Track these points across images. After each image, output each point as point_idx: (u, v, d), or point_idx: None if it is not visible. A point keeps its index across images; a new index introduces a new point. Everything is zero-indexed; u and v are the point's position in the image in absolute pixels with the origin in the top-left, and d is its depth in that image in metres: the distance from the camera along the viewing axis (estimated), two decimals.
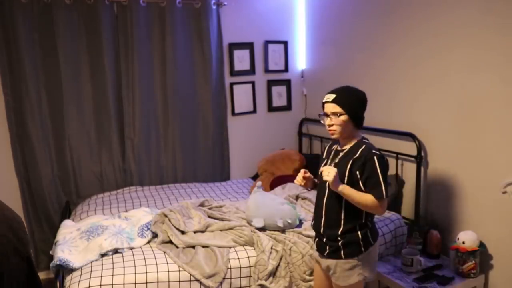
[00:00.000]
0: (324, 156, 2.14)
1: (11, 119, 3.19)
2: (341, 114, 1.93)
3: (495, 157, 2.42)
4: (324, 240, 2.03)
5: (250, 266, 2.34)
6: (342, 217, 1.97)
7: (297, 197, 3.12)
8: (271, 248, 2.41)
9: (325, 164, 2.05)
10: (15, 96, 3.18)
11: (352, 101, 1.96)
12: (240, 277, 2.32)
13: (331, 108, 1.95)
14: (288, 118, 4.15)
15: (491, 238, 2.47)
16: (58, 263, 2.24)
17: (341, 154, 2.01)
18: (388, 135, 3.10)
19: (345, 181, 1.92)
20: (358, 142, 1.98)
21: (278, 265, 2.36)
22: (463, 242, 2.42)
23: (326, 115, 1.98)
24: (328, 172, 1.86)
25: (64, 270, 2.27)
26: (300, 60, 4.14)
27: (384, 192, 1.88)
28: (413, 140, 2.84)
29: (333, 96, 1.96)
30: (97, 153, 3.50)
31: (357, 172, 1.91)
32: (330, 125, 1.96)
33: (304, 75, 4.15)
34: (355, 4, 3.37)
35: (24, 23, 3.10)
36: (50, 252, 2.54)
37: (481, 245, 2.45)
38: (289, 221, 2.58)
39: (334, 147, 2.09)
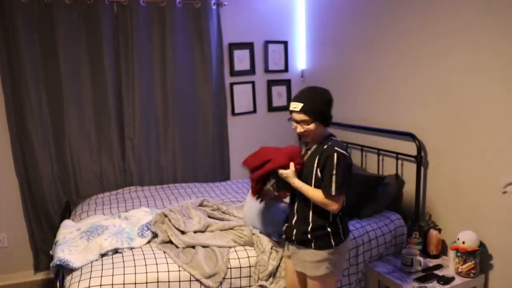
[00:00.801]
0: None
1: (11, 119, 3.19)
2: (310, 122, 1.99)
3: (495, 157, 2.42)
4: (294, 231, 2.11)
5: (250, 266, 2.34)
6: (311, 216, 2.05)
7: None
8: (271, 248, 2.41)
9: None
10: (15, 96, 3.18)
11: (319, 106, 2.00)
12: (240, 277, 2.32)
13: (300, 117, 2.00)
14: (288, 118, 4.15)
15: (491, 238, 2.47)
16: (58, 263, 2.24)
17: (309, 151, 2.09)
18: (388, 135, 3.10)
19: (313, 178, 2.01)
20: (325, 139, 2.06)
21: (278, 265, 2.36)
22: (463, 242, 2.42)
23: (296, 121, 2.04)
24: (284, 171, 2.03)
25: (64, 270, 2.27)
26: (300, 60, 4.14)
27: (332, 189, 1.92)
28: (413, 140, 2.84)
29: (300, 105, 1.98)
30: (97, 153, 3.50)
31: (318, 169, 2.00)
32: (302, 132, 2.04)
33: (304, 75, 4.15)
34: (355, 4, 3.38)
35: (24, 23, 3.10)
36: (50, 252, 2.54)
37: (481, 245, 2.45)
38: (284, 236, 2.51)
39: (304, 144, 2.18)
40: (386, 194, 2.92)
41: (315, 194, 1.98)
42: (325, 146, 2.01)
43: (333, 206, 1.96)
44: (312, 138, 2.06)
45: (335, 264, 2.06)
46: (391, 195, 2.93)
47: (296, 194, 2.11)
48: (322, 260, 2.03)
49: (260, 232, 2.55)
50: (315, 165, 2.01)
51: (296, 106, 2.00)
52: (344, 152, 1.97)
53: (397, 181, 2.99)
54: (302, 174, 2.07)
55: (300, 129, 2.03)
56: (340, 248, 2.06)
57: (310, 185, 2.02)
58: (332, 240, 2.02)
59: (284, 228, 2.20)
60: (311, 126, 1.99)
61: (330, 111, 2.04)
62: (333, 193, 1.93)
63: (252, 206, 2.66)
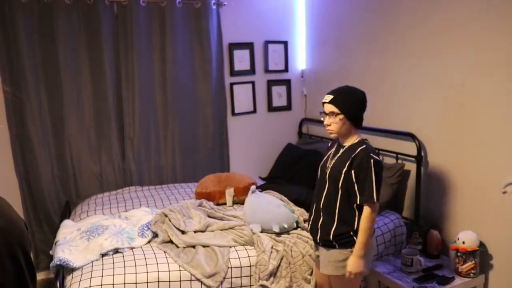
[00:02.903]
0: (327, 151, 2.21)
1: (11, 119, 3.19)
2: (337, 114, 2.01)
3: (495, 157, 2.42)
4: (319, 233, 2.11)
5: (250, 266, 2.35)
6: (336, 221, 2.05)
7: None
8: (272, 248, 2.41)
9: (328, 158, 2.14)
10: (15, 96, 3.17)
11: (349, 102, 2.04)
12: (240, 277, 2.33)
13: (329, 108, 2.05)
14: (288, 118, 4.16)
15: (491, 238, 2.47)
16: (58, 263, 2.24)
17: (341, 150, 2.09)
18: (388, 135, 3.11)
19: (342, 177, 2.01)
20: (358, 142, 2.05)
21: (279, 265, 2.36)
22: (463, 242, 2.42)
23: (325, 113, 2.07)
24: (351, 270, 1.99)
25: (64, 270, 2.27)
26: (300, 60, 4.14)
27: (374, 196, 1.95)
28: (413, 140, 2.84)
29: (330, 97, 2.05)
30: (97, 153, 3.49)
31: (353, 172, 1.99)
32: (328, 124, 2.06)
33: (304, 75, 4.15)
34: (355, 4, 3.38)
35: (24, 23, 3.09)
36: (50, 252, 2.54)
37: (481, 245, 2.45)
38: (285, 226, 2.56)
39: (337, 143, 2.18)
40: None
41: (364, 226, 1.97)
42: (358, 149, 2.00)
43: (375, 213, 1.99)
44: (338, 133, 2.05)
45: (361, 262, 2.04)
46: (391, 195, 2.93)
47: (320, 195, 2.11)
48: (345, 259, 2.03)
49: (262, 231, 2.56)
50: (346, 166, 2.00)
51: (327, 98, 2.06)
52: (378, 159, 2.00)
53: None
54: (331, 175, 2.05)
55: (327, 120, 2.05)
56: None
57: (338, 184, 2.01)
58: (355, 238, 2.02)
59: (308, 227, 2.22)
60: (338, 119, 2.01)
61: (361, 111, 2.06)
62: (375, 199, 1.95)
63: (251, 203, 2.69)
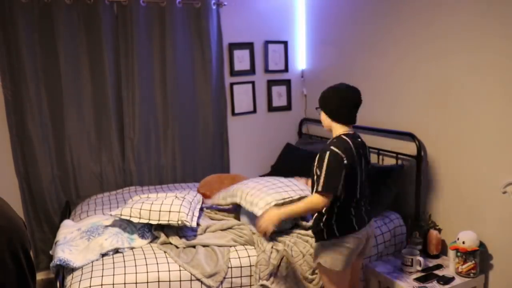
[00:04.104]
0: None
1: (11, 119, 3.19)
2: (318, 108, 2.21)
3: (495, 157, 2.42)
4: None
5: (250, 265, 2.35)
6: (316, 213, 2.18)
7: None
8: (272, 247, 2.41)
9: None
10: (15, 96, 3.17)
11: (327, 97, 2.14)
12: (241, 276, 2.33)
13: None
14: (288, 118, 4.16)
15: (491, 238, 2.47)
16: (58, 263, 2.24)
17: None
18: (388, 135, 3.11)
19: (313, 171, 2.09)
20: (335, 137, 2.12)
21: (279, 265, 2.36)
22: (463, 242, 2.42)
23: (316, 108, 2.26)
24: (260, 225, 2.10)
25: (64, 270, 2.27)
26: (300, 60, 4.14)
27: (320, 186, 1.98)
28: (413, 140, 2.84)
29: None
30: (97, 153, 3.49)
31: (315, 165, 2.08)
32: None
33: (304, 75, 4.15)
34: (355, 4, 3.38)
35: (24, 23, 3.09)
36: (50, 252, 2.54)
37: (481, 245, 2.45)
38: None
39: None
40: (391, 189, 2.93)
41: (302, 205, 2.08)
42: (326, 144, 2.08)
43: (322, 203, 2.00)
44: (324, 126, 2.20)
45: (326, 256, 2.09)
46: (390, 194, 2.93)
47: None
48: (316, 250, 2.16)
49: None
50: (315, 161, 2.08)
51: None
52: (337, 150, 1.98)
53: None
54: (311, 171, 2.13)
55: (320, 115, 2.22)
56: (333, 242, 2.08)
57: (313, 178, 2.06)
58: (324, 233, 2.09)
59: None
60: (321, 113, 2.17)
61: (339, 107, 2.10)
62: (320, 189, 1.98)
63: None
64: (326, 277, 2.17)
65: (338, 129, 2.12)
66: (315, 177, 2.04)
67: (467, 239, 2.42)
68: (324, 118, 2.16)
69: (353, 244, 2.08)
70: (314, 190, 2.02)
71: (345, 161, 1.99)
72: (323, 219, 2.09)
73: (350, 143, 2.04)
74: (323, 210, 2.08)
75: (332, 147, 2.00)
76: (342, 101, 2.09)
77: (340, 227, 2.08)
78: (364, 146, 2.16)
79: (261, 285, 2.30)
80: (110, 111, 3.44)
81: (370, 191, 2.25)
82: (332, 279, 2.15)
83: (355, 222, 2.09)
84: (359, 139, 2.15)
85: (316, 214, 2.16)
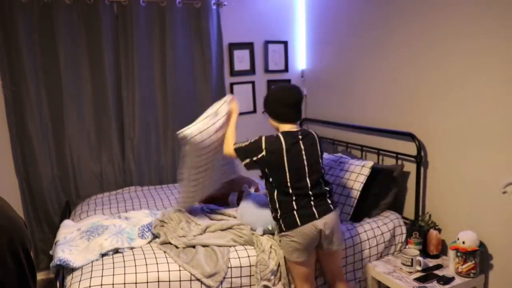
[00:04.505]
0: None
1: (11, 119, 3.19)
2: (264, 112, 2.45)
3: (495, 157, 2.42)
4: None
5: (250, 265, 2.35)
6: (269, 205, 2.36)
7: None
8: (271, 247, 2.41)
9: None
10: (15, 96, 3.17)
11: (266, 100, 2.39)
12: (240, 276, 2.33)
13: None
14: None
15: (491, 238, 2.47)
16: (58, 263, 2.24)
17: None
18: (388, 135, 3.11)
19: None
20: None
21: (279, 264, 2.36)
22: (463, 242, 2.42)
23: None
24: None
25: (64, 270, 2.27)
26: (300, 60, 4.14)
27: (237, 145, 2.35)
28: (413, 140, 2.84)
29: None
30: (97, 153, 3.50)
31: None
32: None
33: (304, 75, 4.15)
34: (355, 4, 3.38)
35: (24, 23, 3.09)
36: (50, 252, 2.54)
37: (481, 245, 2.45)
38: (270, 227, 2.53)
39: None
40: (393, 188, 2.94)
41: (228, 142, 2.42)
42: None
43: (228, 153, 2.39)
44: (274, 128, 2.41)
45: (283, 248, 2.28)
46: (390, 194, 2.93)
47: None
48: (280, 243, 2.34)
49: (251, 229, 2.55)
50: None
51: None
52: (260, 136, 2.29)
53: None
54: None
55: None
56: (283, 236, 2.25)
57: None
58: (278, 228, 2.29)
59: None
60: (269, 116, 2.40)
61: (278, 107, 2.32)
62: (235, 146, 2.34)
63: (241, 206, 2.67)
64: (290, 267, 2.32)
65: (283, 128, 2.32)
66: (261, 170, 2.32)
67: (467, 239, 2.42)
68: (270, 120, 2.38)
69: (300, 239, 2.19)
70: (234, 145, 2.36)
71: (263, 153, 2.24)
72: (274, 215, 2.28)
73: (282, 140, 2.24)
74: (274, 206, 2.25)
75: (264, 136, 2.28)
76: (279, 102, 2.30)
77: (284, 223, 2.23)
78: (312, 140, 2.31)
79: (263, 285, 2.30)
80: (110, 111, 3.44)
81: (329, 184, 2.35)
82: (293, 269, 2.30)
83: (298, 218, 2.20)
84: (306, 134, 2.31)
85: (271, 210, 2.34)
